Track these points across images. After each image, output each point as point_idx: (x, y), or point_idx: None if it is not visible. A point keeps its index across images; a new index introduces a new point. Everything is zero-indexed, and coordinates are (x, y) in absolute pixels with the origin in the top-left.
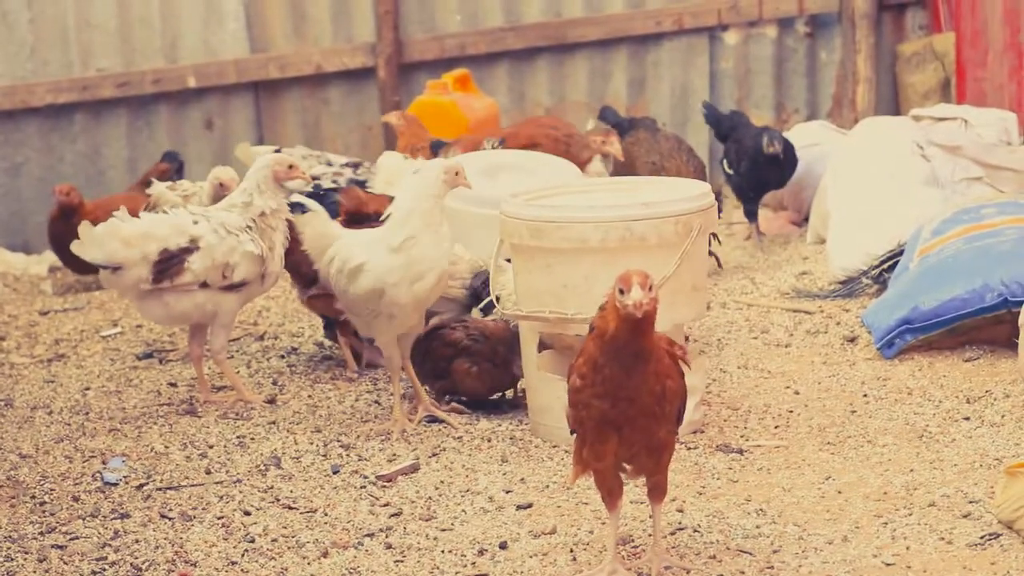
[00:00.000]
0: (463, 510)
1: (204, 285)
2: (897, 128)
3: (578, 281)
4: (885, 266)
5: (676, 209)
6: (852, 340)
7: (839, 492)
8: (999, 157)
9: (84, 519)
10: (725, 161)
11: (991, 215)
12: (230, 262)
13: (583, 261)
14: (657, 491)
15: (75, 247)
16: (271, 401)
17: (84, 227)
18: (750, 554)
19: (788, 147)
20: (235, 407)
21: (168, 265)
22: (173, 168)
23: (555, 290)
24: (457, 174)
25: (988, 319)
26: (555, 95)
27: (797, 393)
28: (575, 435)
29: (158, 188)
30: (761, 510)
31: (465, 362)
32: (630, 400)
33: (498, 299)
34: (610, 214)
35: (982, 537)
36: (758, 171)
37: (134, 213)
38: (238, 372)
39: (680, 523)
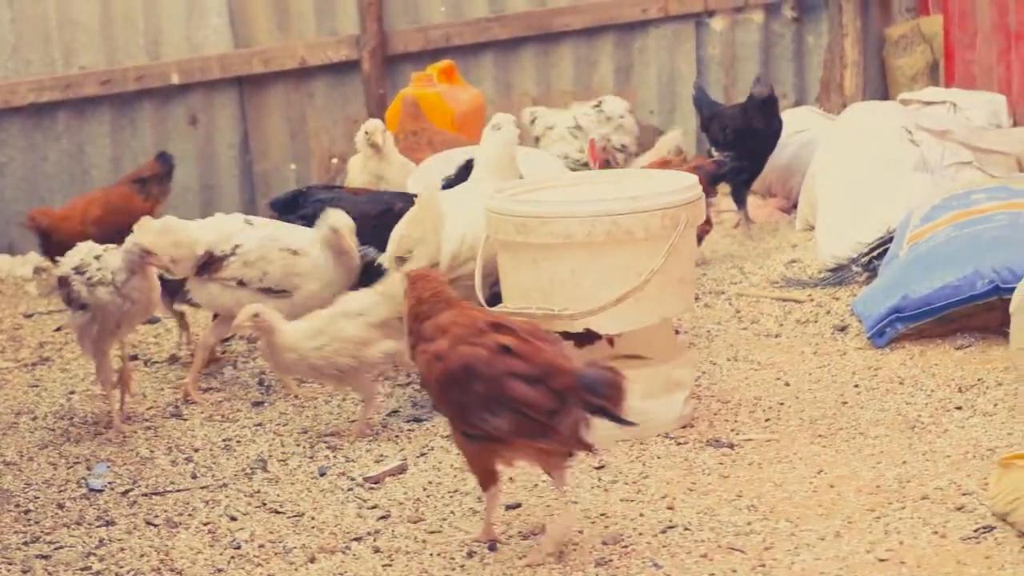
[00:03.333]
0: (452, 511)
1: (242, 283)
2: (885, 113)
3: (565, 276)
4: (875, 253)
5: (662, 202)
6: (843, 329)
7: (831, 486)
8: (988, 140)
9: (69, 527)
10: (711, 144)
11: (981, 200)
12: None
13: (569, 256)
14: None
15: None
16: (258, 404)
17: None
18: (742, 552)
19: (774, 94)
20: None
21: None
22: (164, 170)
23: (542, 286)
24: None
25: (979, 306)
26: (541, 84)
27: (788, 384)
28: None
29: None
30: (752, 506)
31: None
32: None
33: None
34: (595, 208)
35: (976, 530)
36: (745, 137)
37: (127, 209)
38: (223, 372)
39: (671, 521)
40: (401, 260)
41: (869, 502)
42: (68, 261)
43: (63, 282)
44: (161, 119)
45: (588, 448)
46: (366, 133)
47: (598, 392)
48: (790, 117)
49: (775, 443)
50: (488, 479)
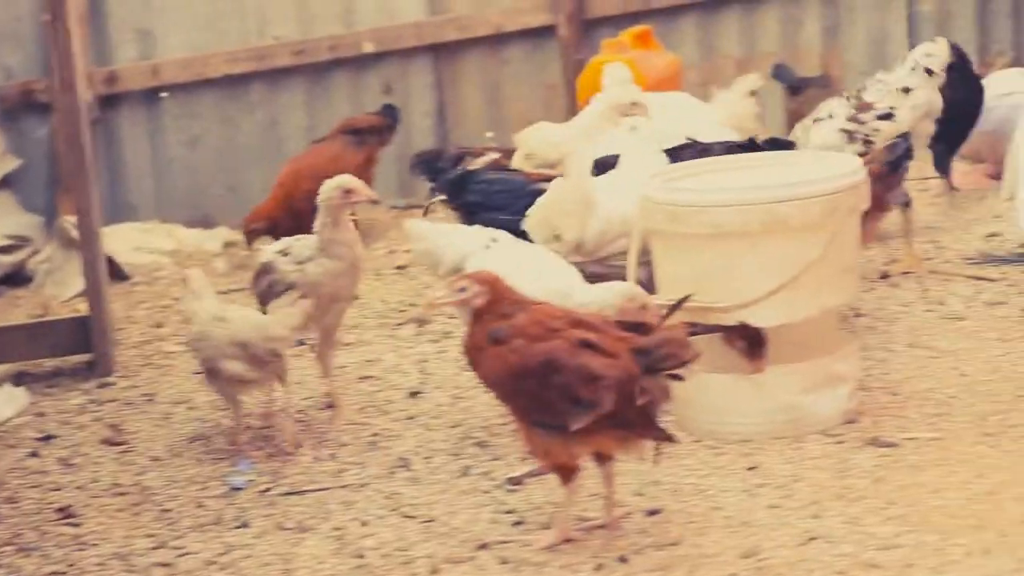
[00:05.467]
0: (588, 517)
1: None
2: None
3: (719, 268)
4: None
5: (820, 189)
6: None
7: (989, 493)
8: None
9: (203, 529)
10: None
11: None
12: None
13: (723, 246)
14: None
15: None
16: (415, 394)
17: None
18: (881, 569)
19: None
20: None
21: None
22: (387, 123)
23: (695, 277)
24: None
25: None
26: (744, 46)
27: (964, 375)
28: None
29: None
30: (903, 515)
31: None
32: None
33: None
34: (750, 196)
35: None
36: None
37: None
38: (382, 358)
39: (814, 532)
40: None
41: None
42: (269, 249)
43: (266, 269)
44: (355, 89)
45: (668, 437)
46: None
47: (655, 355)
48: (999, 79)
49: (939, 442)
50: (568, 473)
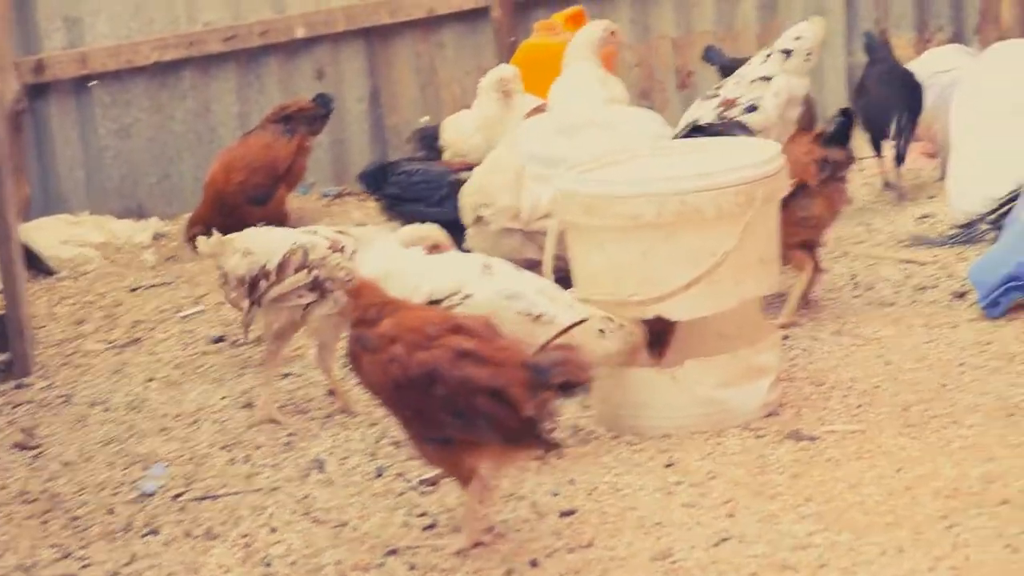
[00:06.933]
0: (503, 519)
1: None
2: None
3: (635, 260)
4: (1005, 210)
5: (736, 178)
6: (961, 296)
7: (907, 488)
8: None
9: (111, 537)
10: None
11: None
12: None
13: (639, 238)
14: None
15: None
16: (331, 392)
17: None
18: (793, 570)
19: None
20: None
21: None
22: (318, 112)
23: (611, 270)
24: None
25: None
26: (681, 26)
27: (888, 363)
28: None
29: None
30: (819, 513)
31: None
32: None
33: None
34: (664, 187)
35: None
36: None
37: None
38: (303, 355)
39: (728, 532)
40: (479, 219)
41: (944, 508)
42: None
43: (309, 264)
44: (287, 74)
45: (555, 446)
46: (501, 79)
47: (550, 372)
48: (934, 56)
49: (860, 435)
50: (465, 479)
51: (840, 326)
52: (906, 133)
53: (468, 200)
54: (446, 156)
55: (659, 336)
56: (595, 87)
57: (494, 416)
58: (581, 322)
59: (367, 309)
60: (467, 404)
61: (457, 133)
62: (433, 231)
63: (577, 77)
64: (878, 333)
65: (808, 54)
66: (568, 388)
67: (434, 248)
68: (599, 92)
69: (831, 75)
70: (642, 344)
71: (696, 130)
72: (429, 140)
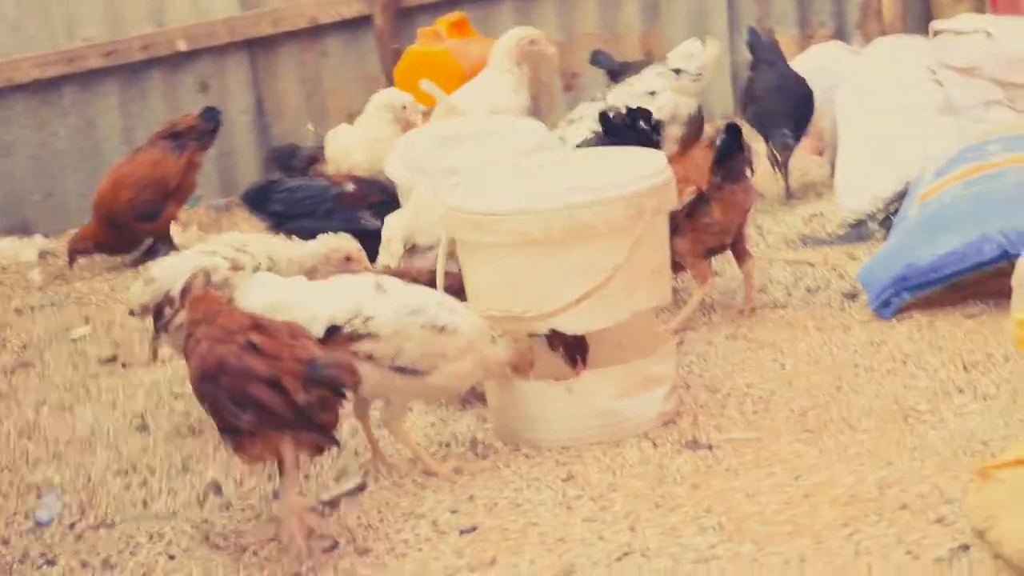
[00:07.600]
0: (404, 539)
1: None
2: (910, 49)
3: (525, 276)
4: (892, 209)
5: (624, 192)
6: (853, 297)
7: (806, 496)
8: (1022, 73)
9: (7, 570)
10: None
11: (996, 152)
12: None
13: (527, 255)
14: None
15: None
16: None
17: None
18: None
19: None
20: None
21: None
22: (207, 127)
23: (503, 286)
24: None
25: (989, 272)
26: (564, 30)
27: (783, 367)
28: None
29: None
30: (720, 524)
31: None
32: None
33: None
34: (551, 203)
35: (951, 549)
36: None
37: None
38: None
39: (629, 546)
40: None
41: (843, 515)
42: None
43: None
44: (171, 87)
45: (333, 441)
46: (404, 107)
47: (322, 371)
48: (820, 52)
49: (756, 442)
50: (256, 461)
51: (734, 330)
52: (793, 145)
53: (392, 237)
54: (329, 170)
55: (576, 347)
56: (504, 95)
57: (269, 404)
58: None
59: (201, 314)
60: (245, 393)
61: (338, 149)
62: (345, 242)
63: (483, 85)
64: (772, 336)
65: (699, 74)
66: (334, 388)
67: (346, 260)
68: (508, 99)
69: (715, 74)
70: (532, 355)
71: (604, 119)
72: (284, 160)
